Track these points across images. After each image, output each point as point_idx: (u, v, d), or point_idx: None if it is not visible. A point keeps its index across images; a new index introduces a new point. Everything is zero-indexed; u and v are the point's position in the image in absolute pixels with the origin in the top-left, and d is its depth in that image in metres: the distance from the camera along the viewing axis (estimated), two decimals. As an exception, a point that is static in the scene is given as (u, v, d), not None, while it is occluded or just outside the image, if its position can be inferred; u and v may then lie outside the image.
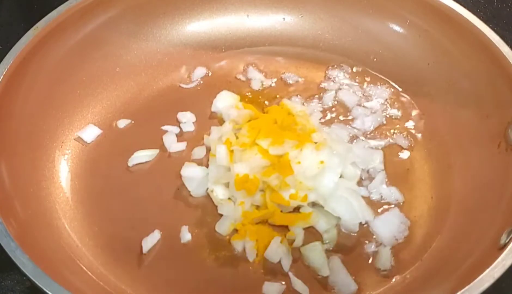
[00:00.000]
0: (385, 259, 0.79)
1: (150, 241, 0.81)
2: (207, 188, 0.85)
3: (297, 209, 0.82)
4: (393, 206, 0.85)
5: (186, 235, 0.82)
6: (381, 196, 0.86)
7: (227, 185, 0.84)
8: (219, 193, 0.84)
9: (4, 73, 0.83)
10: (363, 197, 0.85)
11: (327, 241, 0.81)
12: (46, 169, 0.86)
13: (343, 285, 0.77)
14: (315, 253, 0.79)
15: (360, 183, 0.87)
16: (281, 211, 0.82)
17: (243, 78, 1.00)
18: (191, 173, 0.86)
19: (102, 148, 0.91)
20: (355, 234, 0.82)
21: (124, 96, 0.97)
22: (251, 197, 0.82)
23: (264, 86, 0.99)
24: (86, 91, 0.95)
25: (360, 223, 0.82)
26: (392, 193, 0.86)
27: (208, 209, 0.84)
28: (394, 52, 1.00)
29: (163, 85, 0.99)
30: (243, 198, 0.82)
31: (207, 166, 0.87)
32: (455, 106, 0.92)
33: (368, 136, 0.92)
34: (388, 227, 0.82)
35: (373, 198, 0.86)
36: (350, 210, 0.81)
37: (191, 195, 0.86)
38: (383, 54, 1.01)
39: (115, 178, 0.88)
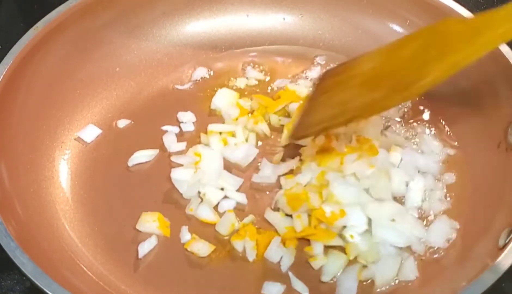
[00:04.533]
0: (410, 271, 0.77)
1: (147, 246, 0.80)
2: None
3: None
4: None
5: (186, 235, 0.82)
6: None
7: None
8: (212, 196, 0.84)
9: (4, 73, 0.83)
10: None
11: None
12: (46, 169, 0.86)
13: (347, 289, 0.77)
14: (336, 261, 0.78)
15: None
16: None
17: (243, 78, 1.00)
18: (180, 176, 0.86)
19: (102, 148, 0.91)
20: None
21: (124, 96, 0.97)
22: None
23: (263, 85, 0.99)
24: (86, 91, 0.95)
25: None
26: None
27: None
28: (394, 52, 1.00)
29: (163, 85, 0.99)
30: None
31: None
32: (455, 106, 0.92)
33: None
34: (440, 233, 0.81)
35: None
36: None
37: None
38: (383, 54, 1.01)
39: (115, 178, 0.88)
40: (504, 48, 0.86)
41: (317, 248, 0.79)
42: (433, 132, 0.91)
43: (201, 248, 0.80)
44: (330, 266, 0.78)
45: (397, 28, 1.00)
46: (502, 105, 0.85)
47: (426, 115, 0.94)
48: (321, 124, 0.82)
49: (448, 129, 0.92)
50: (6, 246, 0.69)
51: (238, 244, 0.80)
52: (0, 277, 0.81)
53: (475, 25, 0.70)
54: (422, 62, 0.73)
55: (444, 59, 0.71)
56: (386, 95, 0.76)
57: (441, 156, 0.88)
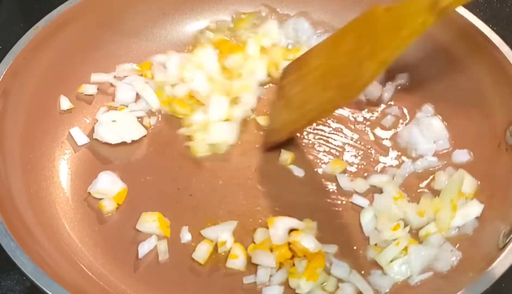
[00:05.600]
0: None
1: (147, 246, 0.80)
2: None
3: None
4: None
5: (186, 235, 0.82)
6: None
7: None
8: None
9: (4, 73, 0.83)
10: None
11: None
12: (46, 169, 0.86)
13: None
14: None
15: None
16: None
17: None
18: None
19: (102, 148, 0.91)
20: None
21: (124, 96, 0.97)
22: None
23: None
24: (86, 91, 0.95)
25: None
26: None
27: (208, 209, 0.84)
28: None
29: (163, 85, 0.99)
30: None
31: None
32: (455, 106, 0.92)
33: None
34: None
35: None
36: None
37: (190, 195, 0.86)
38: (383, 54, 1.00)
39: (115, 178, 0.88)
40: (504, 48, 0.86)
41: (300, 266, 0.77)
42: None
43: (201, 248, 0.80)
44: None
45: (397, 28, 1.00)
46: (502, 105, 0.86)
47: (415, 114, 0.95)
48: (287, 129, 0.86)
49: (448, 129, 0.92)
50: (6, 246, 0.69)
51: (235, 262, 0.79)
52: (0, 277, 0.81)
53: (398, 16, 0.70)
54: (357, 61, 0.74)
55: (374, 58, 0.72)
56: (335, 94, 0.78)
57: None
